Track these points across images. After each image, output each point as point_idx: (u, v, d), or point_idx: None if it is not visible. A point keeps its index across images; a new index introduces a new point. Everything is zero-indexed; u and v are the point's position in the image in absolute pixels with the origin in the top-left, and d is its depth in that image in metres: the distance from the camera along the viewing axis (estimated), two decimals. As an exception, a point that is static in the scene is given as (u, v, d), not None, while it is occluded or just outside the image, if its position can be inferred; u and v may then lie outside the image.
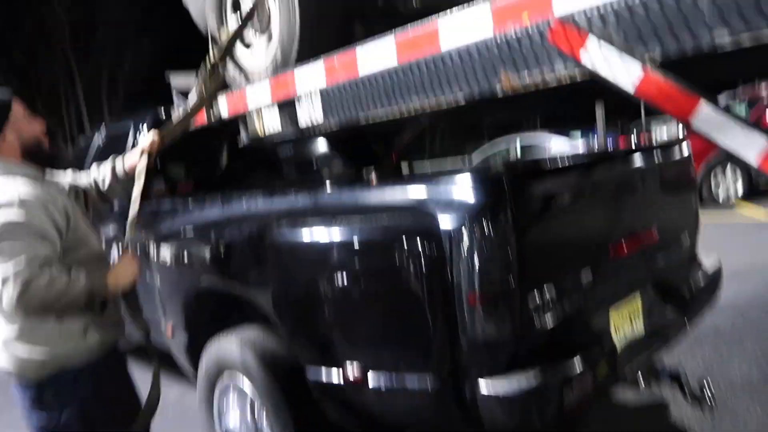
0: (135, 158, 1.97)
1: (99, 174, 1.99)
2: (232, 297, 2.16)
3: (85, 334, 1.64)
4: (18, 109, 1.68)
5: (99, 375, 1.67)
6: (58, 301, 1.48)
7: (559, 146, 12.98)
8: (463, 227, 1.50)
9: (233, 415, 2.21)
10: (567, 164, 1.92)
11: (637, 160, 2.11)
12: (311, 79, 1.88)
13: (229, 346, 2.11)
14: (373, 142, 2.72)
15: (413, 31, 1.57)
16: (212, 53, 2.19)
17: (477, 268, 1.51)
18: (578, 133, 15.39)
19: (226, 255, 2.14)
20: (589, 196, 1.92)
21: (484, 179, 1.56)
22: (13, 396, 1.68)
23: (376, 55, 1.62)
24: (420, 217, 1.61)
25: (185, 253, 2.36)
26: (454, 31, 1.44)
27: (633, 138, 16.15)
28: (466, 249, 1.50)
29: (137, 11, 21.94)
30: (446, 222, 1.54)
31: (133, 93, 20.43)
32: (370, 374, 1.70)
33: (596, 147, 11.36)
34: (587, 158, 2.07)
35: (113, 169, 1.98)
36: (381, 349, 1.76)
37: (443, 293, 1.57)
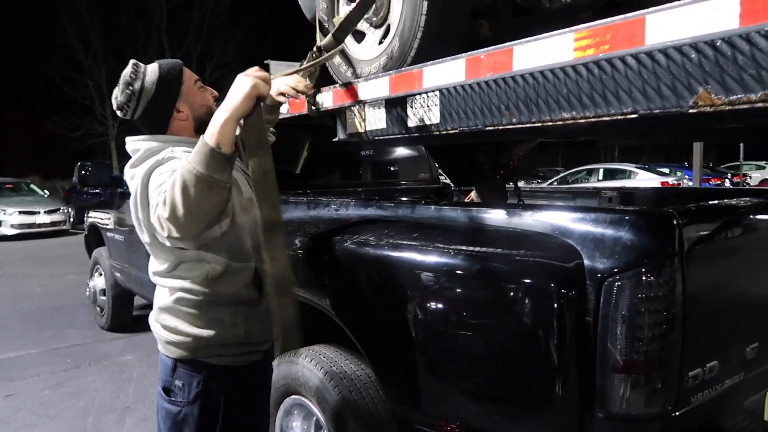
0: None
1: None
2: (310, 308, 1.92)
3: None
4: (189, 80, 1.50)
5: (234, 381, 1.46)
6: (188, 193, 1.13)
7: (645, 181, 12.22)
8: (623, 274, 1.19)
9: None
10: (744, 209, 1.57)
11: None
12: (441, 77, 1.63)
13: (301, 366, 1.88)
14: (481, 156, 2.44)
15: (612, 20, 1.19)
16: (319, 39, 2.02)
17: (634, 327, 1.20)
18: (666, 170, 14.55)
19: (307, 260, 1.92)
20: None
21: (655, 219, 1.24)
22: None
23: (542, 49, 1.29)
24: (560, 253, 1.31)
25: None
26: (669, 22, 1.06)
27: (727, 180, 15.15)
28: (623, 302, 1.19)
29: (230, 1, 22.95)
30: (597, 265, 1.24)
31: (216, 82, 21.17)
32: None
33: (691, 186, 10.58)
34: (755, 203, 1.71)
35: None
36: (488, 410, 1.47)
37: (578, 352, 1.26)
